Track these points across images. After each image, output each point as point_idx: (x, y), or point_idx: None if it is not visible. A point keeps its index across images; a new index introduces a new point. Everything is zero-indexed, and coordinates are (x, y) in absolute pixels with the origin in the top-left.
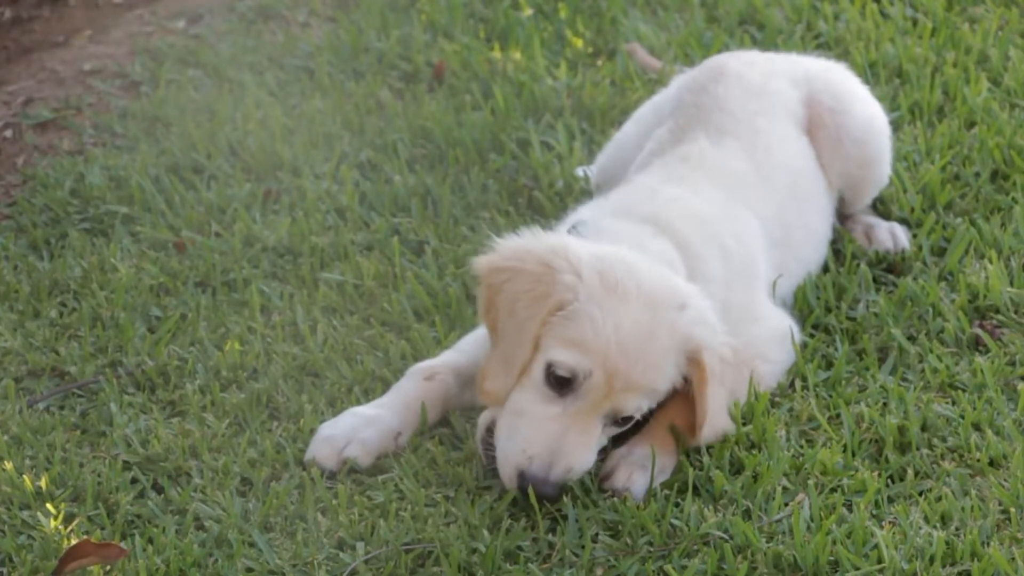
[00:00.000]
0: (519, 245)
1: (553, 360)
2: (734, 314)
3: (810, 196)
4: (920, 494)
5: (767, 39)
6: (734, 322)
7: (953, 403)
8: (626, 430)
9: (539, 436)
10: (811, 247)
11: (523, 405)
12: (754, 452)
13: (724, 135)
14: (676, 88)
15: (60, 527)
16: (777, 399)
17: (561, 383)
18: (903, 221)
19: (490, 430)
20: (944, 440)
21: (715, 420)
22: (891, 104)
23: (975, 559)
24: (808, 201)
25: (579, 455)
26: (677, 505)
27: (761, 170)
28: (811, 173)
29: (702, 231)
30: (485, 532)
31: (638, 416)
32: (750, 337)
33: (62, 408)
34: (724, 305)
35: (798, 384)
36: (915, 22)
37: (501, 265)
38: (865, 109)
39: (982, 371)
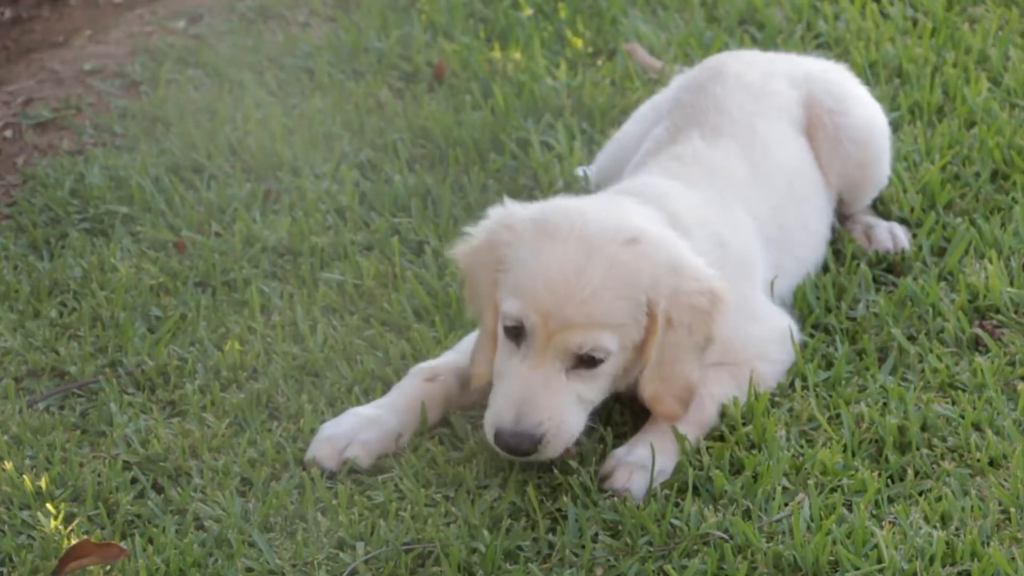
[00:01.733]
0: (478, 227)
1: (501, 312)
2: (733, 311)
3: (807, 197)
4: (920, 494)
5: (767, 39)
6: (732, 320)
7: (953, 403)
8: (629, 431)
9: (505, 391)
10: (809, 247)
11: (499, 366)
12: (754, 452)
13: (720, 135)
14: (675, 88)
15: (60, 527)
16: (777, 399)
17: (515, 333)
18: (903, 221)
19: None
20: (944, 440)
21: (668, 374)
22: (891, 104)
23: (975, 559)
24: (806, 202)
25: (547, 405)
26: (677, 505)
27: (757, 170)
28: (809, 174)
29: (695, 214)
30: (485, 532)
31: (603, 355)
32: (750, 336)
33: (62, 408)
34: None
35: (798, 384)
36: (915, 22)
37: (465, 250)
38: (864, 110)
39: (982, 371)
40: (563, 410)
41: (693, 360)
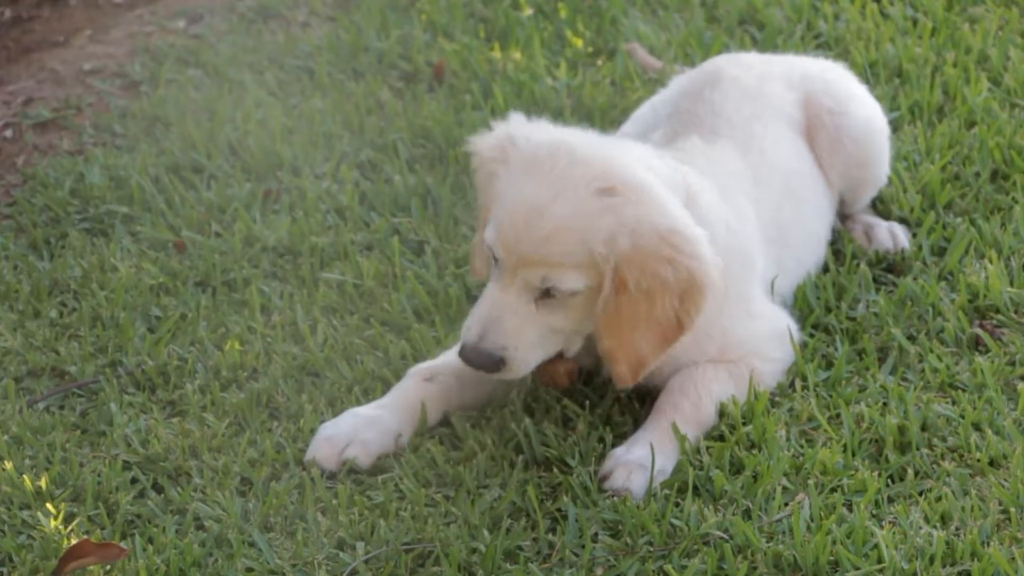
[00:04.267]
0: (496, 133)
1: (486, 235)
2: (731, 305)
3: (806, 198)
4: (920, 494)
5: (767, 39)
6: (730, 316)
7: (953, 403)
8: (629, 431)
9: (477, 308)
10: (808, 248)
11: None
12: (754, 452)
13: (718, 137)
14: (673, 92)
15: (60, 527)
16: (777, 399)
17: (493, 256)
18: (903, 221)
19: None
20: (944, 440)
21: (624, 338)
22: (891, 104)
23: (975, 559)
24: (804, 203)
25: (512, 330)
26: (677, 505)
27: (755, 171)
28: (807, 175)
29: (704, 197)
30: (485, 532)
31: (565, 291)
32: (747, 333)
33: (62, 408)
34: (723, 293)
35: (798, 384)
36: (915, 22)
37: (474, 151)
38: (864, 109)
39: (982, 371)
40: (526, 337)
41: (653, 336)
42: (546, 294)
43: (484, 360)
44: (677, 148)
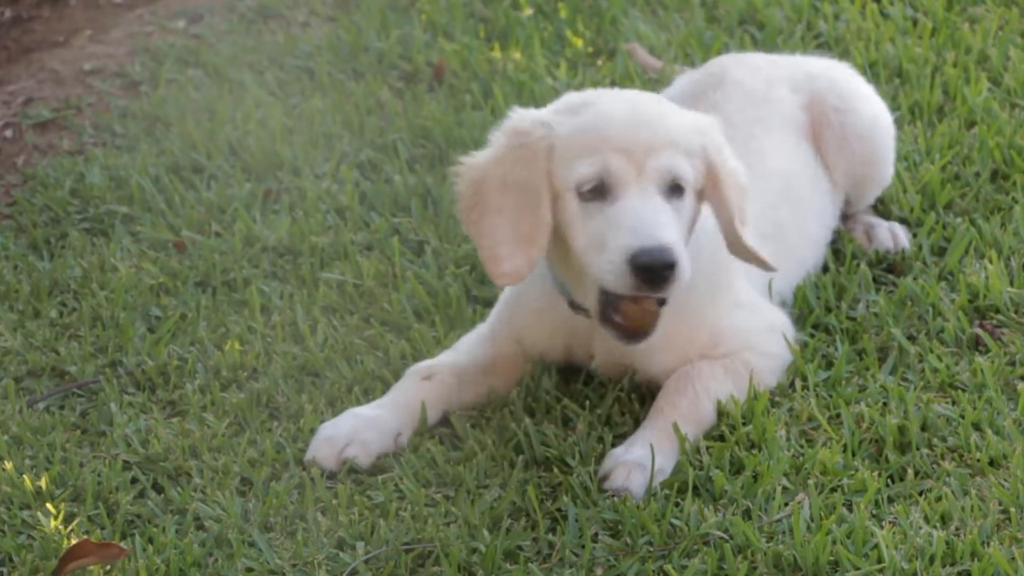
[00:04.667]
0: (487, 148)
1: (576, 181)
2: (719, 293)
3: (805, 200)
4: (920, 494)
5: (767, 39)
6: (719, 307)
7: (953, 403)
8: (628, 431)
9: (620, 226)
10: (807, 249)
11: (593, 235)
12: (754, 452)
13: None
14: (677, 91)
15: (60, 527)
16: (777, 399)
17: (599, 193)
18: (903, 221)
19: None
20: (944, 440)
21: (740, 228)
22: (891, 104)
23: (975, 559)
24: (804, 205)
25: (667, 225)
26: (677, 505)
27: (752, 171)
28: (808, 178)
29: None
30: (485, 532)
31: (684, 183)
32: (738, 325)
33: (62, 408)
34: (710, 280)
35: (798, 384)
36: (915, 22)
37: (477, 162)
38: (870, 107)
39: (982, 371)
40: (680, 238)
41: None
42: (669, 195)
43: (666, 256)
44: None
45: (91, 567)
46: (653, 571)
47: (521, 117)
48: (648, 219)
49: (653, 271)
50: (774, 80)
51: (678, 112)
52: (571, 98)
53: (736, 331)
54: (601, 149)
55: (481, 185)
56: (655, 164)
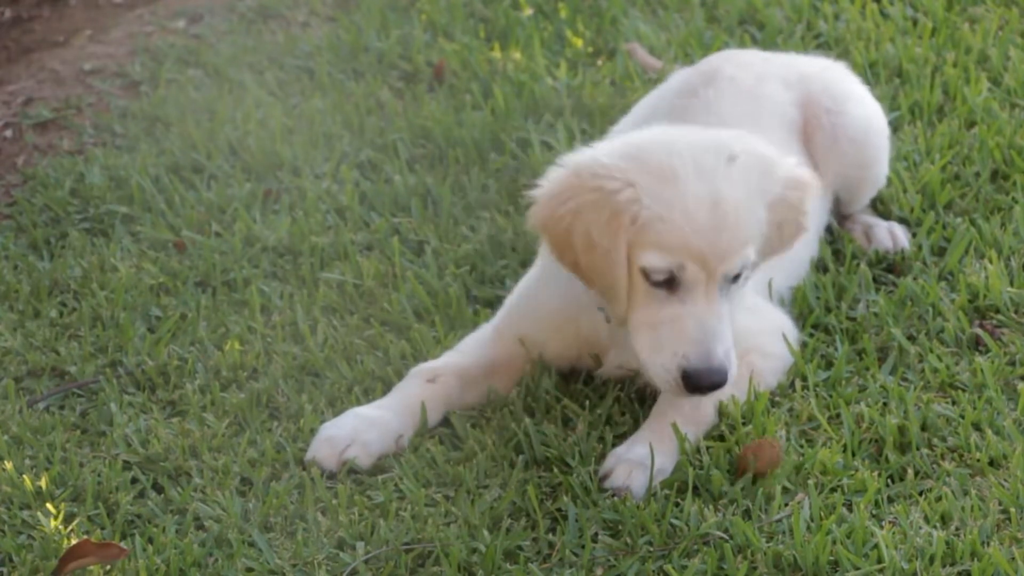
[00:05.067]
0: (559, 185)
1: (645, 268)
2: None
3: None
4: (920, 494)
5: (767, 39)
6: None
7: (953, 403)
8: (628, 431)
9: (681, 335)
10: (799, 246)
11: (649, 317)
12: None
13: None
14: (671, 88)
15: (60, 527)
16: (777, 399)
17: (667, 283)
18: (903, 221)
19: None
20: (944, 440)
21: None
22: (891, 104)
23: (975, 559)
24: None
25: (726, 336)
26: (677, 505)
27: None
28: None
29: None
30: (485, 532)
31: (748, 272)
32: (742, 328)
33: (62, 408)
34: None
35: (798, 384)
36: (915, 22)
37: (555, 211)
38: (863, 109)
39: (982, 371)
40: (730, 334)
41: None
42: (729, 284)
43: (720, 376)
44: None
45: (91, 567)
46: (653, 571)
47: (599, 168)
48: (709, 330)
49: (702, 388)
50: (766, 77)
51: (765, 189)
52: (654, 149)
53: (740, 334)
54: (678, 251)
55: (567, 236)
56: (726, 269)
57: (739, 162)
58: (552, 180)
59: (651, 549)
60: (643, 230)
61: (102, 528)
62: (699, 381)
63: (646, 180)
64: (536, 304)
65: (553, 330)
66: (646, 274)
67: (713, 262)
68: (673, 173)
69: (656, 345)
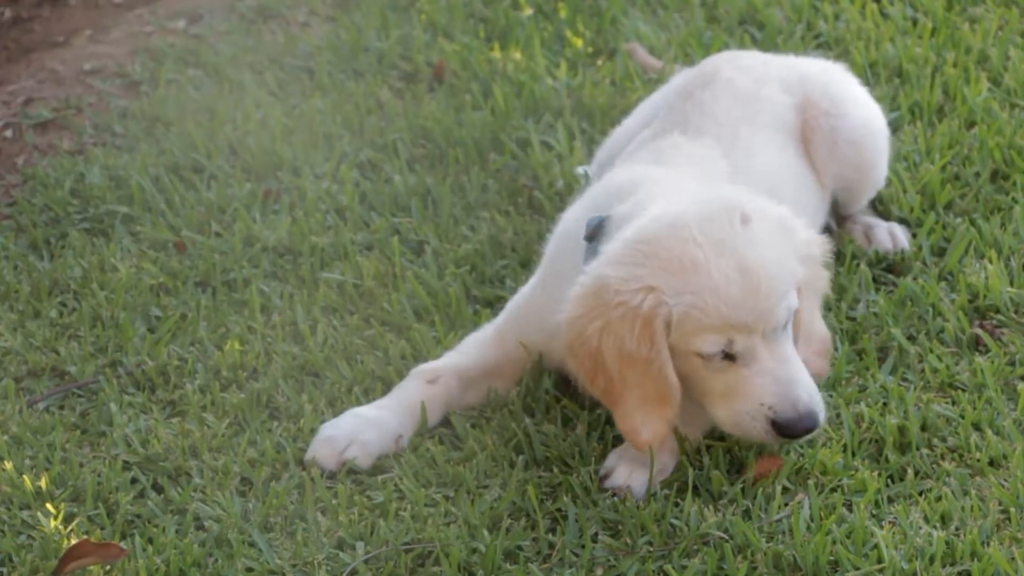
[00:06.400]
0: (580, 307)
1: (700, 353)
2: None
3: (790, 199)
4: (920, 494)
5: (767, 39)
6: None
7: (953, 403)
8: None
9: (760, 387)
10: None
11: (721, 387)
12: (754, 452)
13: (702, 135)
14: (670, 89)
15: (60, 527)
16: None
17: (724, 356)
18: (903, 221)
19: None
20: (944, 440)
21: (808, 333)
22: (891, 104)
23: (975, 559)
24: (788, 203)
25: (802, 378)
26: (677, 505)
27: (736, 170)
28: (794, 178)
29: (648, 192)
30: (485, 532)
31: (791, 314)
32: None
33: (62, 408)
34: None
35: None
36: (915, 22)
37: (582, 333)
38: (861, 112)
39: (982, 371)
40: (806, 374)
41: (818, 312)
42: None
43: (813, 421)
44: (652, 148)
45: (91, 567)
46: (653, 571)
47: (614, 282)
48: (783, 379)
49: (796, 435)
50: (765, 80)
51: (789, 242)
52: (662, 239)
53: None
54: (723, 330)
55: (598, 356)
56: (775, 323)
57: (754, 222)
58: (573, 304)
59: (651, 549)
60: (681, 325)
61: (102, 528)
62: (792, 431)
63: (666, 279)
64: (538, 311)
65: (553, 338)
66: (700, 356)
67: (760, 326)
68: (692, 261)
69: (730, 396)
